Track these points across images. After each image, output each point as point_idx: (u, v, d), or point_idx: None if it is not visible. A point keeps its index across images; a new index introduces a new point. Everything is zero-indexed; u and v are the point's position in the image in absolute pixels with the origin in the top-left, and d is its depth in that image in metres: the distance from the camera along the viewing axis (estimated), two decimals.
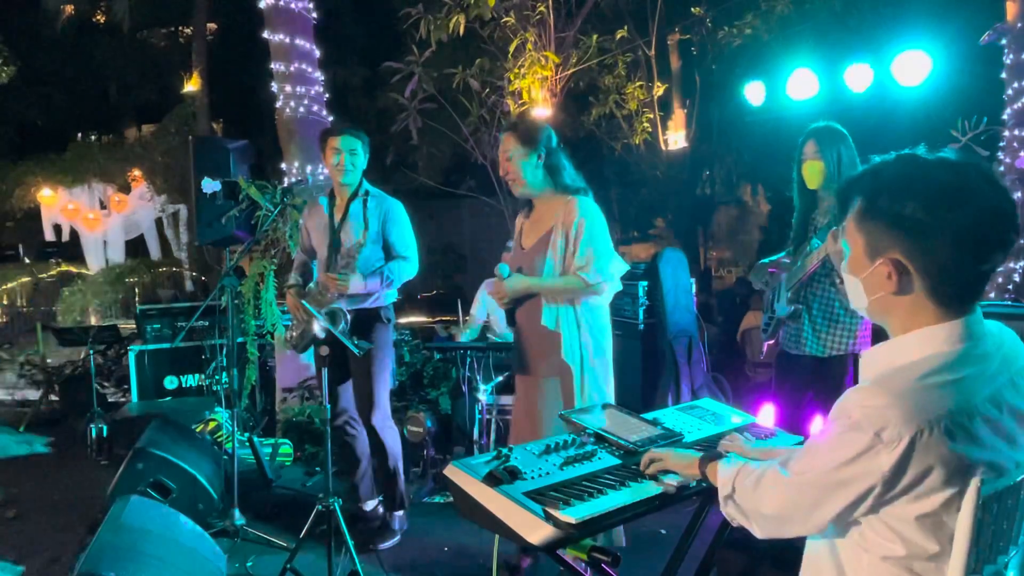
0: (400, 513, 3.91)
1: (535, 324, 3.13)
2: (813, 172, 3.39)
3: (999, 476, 1.32)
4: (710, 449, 1.99)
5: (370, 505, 3.97)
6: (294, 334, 3.80)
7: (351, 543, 3.25)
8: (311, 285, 3.95)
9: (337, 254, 3.74)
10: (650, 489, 1.79)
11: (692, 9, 8.81)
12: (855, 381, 3.46)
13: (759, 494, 1.50)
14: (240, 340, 5.33)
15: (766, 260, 3.70)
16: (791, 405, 3.58)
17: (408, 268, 3.81)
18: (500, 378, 4.50)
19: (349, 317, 3.54)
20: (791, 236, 3.64)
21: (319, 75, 6.51)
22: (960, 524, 1.30)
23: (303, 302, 3.60)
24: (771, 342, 3.71)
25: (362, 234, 3.71)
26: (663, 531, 3.74)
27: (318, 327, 3.31)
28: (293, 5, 6.33)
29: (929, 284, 1.36)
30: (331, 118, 6.65)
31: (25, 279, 13.32)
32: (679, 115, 10.19)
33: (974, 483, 1.28)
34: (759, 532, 1.53)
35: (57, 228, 13.09)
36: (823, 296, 3.43)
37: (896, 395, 1.30)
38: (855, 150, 3.38)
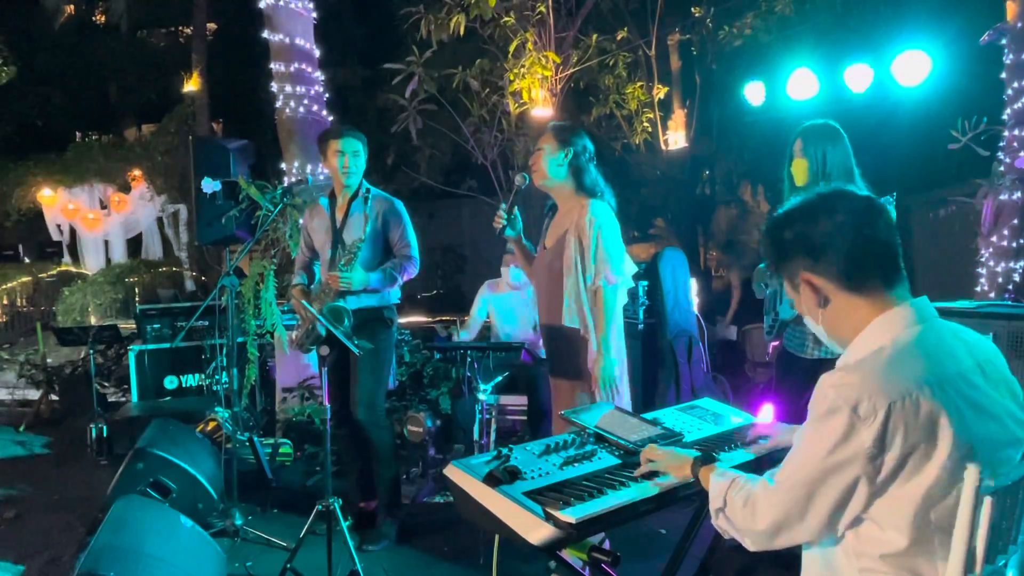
0: (399, 512, 3.91)
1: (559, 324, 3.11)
2: (798, 170, 3.40)
3: (991, 451, 1.34)
4: (707, 450, 1.99)
5: (370, 505, 3.97)
6: (298, 334, 3.80)
7: (351, 543, 3.25)
8: (315, 285, 3.95)
9: (340, 253, 3.75)
10: (650, 489, 1.79)
11: (692, 9, 8.80)
12: None
13: (751, 512, 1.52)
14: (240, 340, 5.33)
15: (763, 264, 3.70)
16: (791, 404, 3.57)
17: (410, 266, 3.82)
18: (500, 378, 4.50)
19: (352, 316, 3.55)
20: None
21: (319, 75, 6.51)
22: (960, 517, 1.30)
23: (303, 302, 3.60)
24: (776, 343, 3.71)
25: (364, 232, 3.71)
26: (663, 531, 3.73)
27: (320, 326, 3.32)
28: (293, 5, 6.33)
29: (836, 281, 1.48)
30: (331, 118, 6.65)
31: (25, 279, 13.34)
32: (679, 115, 10.19)
33: (971, 472, 1.29)
34: (751, 546, 1.55)
35: (71, 231, 13.15)
36: None
37: (867, 372, 1.38)
38: (849, 149, 3.36)
